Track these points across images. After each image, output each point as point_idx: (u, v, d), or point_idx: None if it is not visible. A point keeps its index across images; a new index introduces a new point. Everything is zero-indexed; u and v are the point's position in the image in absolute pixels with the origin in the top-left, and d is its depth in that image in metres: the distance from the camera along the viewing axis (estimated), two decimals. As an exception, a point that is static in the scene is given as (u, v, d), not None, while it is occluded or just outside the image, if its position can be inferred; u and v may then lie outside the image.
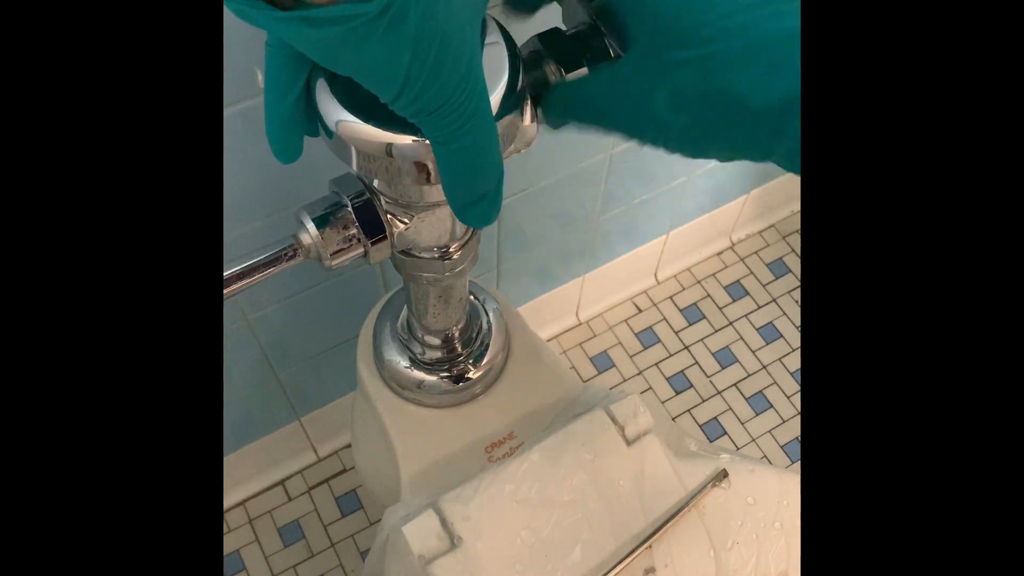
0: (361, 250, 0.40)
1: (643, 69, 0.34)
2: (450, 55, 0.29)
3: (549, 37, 0.38)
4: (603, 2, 0.37)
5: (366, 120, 0.34)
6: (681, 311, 1.16)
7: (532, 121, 0.38)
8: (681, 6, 0.33)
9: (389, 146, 0.33)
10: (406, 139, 0.34)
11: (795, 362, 1.12)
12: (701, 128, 0.33)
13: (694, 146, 0.34)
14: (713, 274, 1.18)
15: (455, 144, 0.32)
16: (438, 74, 0.29)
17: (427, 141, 0.33)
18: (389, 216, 0.40)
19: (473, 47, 0.31)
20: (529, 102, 0.38)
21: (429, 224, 0.42)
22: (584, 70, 0.37)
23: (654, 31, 0.33)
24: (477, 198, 0.34)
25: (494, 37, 0.35)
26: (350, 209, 0.40)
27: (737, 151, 0.33)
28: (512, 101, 0.35)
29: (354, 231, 0.40)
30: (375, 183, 0.40)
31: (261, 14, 0.27)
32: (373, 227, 0.40)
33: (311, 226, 0.39)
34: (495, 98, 0.34)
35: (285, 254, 0.39)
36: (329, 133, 0.35)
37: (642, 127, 0.34)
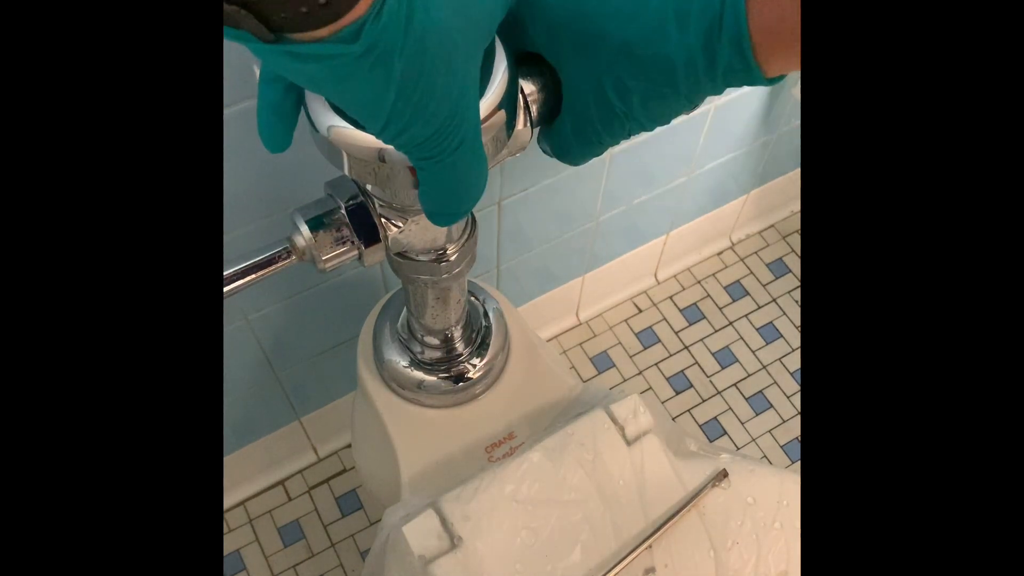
0: (355, 253, 0.40)
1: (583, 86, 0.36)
2: (437, 94, 0.29)
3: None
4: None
5: (357, 125, 0.33)
6: (681, 311, 1.16)
7: (526, 126, 0.38)
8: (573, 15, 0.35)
9: (381, 152, 0.33)
10: None
11: (795, 362, 1.12)
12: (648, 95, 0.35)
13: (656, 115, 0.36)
14: (713, 274, 1.18)
15: (437, 171, 0.32)
16: (423, 112, 0.29)
17: None
18: (383, 219, 0.40)
19: (465, 81, 0.30)
20: (524, 108, 0.38)
21: (423, 228, 0.42)
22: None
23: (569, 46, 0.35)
24: (453, 213, 0.34)
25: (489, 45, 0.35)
26: (344, 212, 0.40)
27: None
28: (506, 108, 0.35)
29: (347, 234, 0.40)
30: (368, 187, 0.40)
31: (249, 44, 0.27)
32: (366, 230, 0.40)
33: (305, 228, 0.39)
34: (488, 103, 0.34)
35: (279, 256, 0.39)
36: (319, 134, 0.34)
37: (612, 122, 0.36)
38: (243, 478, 1.00)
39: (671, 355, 1.13)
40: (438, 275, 0.46)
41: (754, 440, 1.08)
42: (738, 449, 1.07)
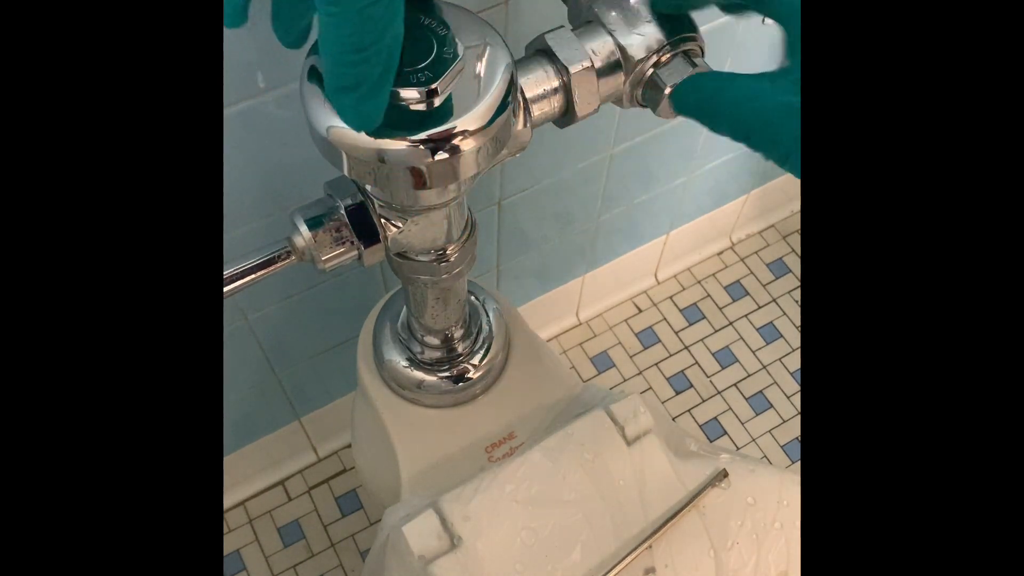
0: (354, 253, 0.40)
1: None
2: None
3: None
4: None
5: None
6: (681, 311, 1.16)
7: (525, 126, 0.38)
8: None
9: (381, 152, 0.33)
10: (399, 145, 0.33)
11: (795, 362, 1.12)
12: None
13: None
14: (713, 274, 1.18)
15: (339, 8, 0.30)
16: None
17: (420, 147, 0.33)
18: (382, 219, 0.40)
19: None
20: (523, 108, 0.38)
21: (423, 228, 0.42)
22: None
23: None
24: (352, 83, 0.32)
25: (491, 42, 0.35)
26: (343, 212, 0.40)
27: None
28: (506, 106, 0.35)
29: (347, 234, 0.40)
30: (368, 187, 0.40)
31: None
32: (366, 230, 0.40)
33: (304, 228, 0.39)
34: (488, 103, 0.34)
35: (279, 256, 0.39)
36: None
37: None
38: (243, 478, 1.00)
39: (671, 355, 1.13)
40: (438, 275, 0.46)
41: (754, 440, 1.08)
42: (738, 449, 1.07)
